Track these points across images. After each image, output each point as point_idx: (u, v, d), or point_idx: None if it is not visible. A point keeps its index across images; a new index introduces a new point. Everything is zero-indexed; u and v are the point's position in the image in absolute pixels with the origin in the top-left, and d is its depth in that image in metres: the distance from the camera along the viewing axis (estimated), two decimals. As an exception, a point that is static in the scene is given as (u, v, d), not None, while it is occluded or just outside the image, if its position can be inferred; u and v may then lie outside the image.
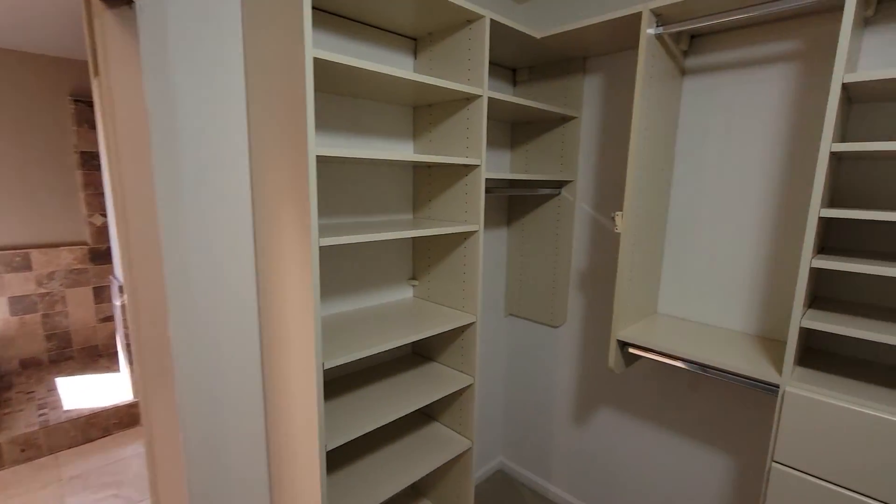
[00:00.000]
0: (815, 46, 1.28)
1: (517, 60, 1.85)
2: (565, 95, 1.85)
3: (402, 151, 1.60)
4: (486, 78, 1.37)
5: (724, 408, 1.56)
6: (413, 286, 1.73)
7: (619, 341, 1.46)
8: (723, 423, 1.57)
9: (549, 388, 2.10)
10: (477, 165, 1.43)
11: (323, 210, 1.41)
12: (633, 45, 1.61)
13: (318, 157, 1.04)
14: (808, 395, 1.08)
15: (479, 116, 1.40)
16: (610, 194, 1.78)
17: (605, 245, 1.82)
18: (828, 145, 1.03)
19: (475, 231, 1.47)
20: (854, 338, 1.23)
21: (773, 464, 1.15)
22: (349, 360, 1.16)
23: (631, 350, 1.47)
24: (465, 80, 1.42)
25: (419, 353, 1.75)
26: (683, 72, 1.54)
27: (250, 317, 1.31)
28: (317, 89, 1.29)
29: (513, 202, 2.08)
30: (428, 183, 1.61)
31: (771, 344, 1.39)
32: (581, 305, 1.93)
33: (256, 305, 1.32)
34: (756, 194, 1.42)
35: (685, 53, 1.52)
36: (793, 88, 1.32)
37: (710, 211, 1.52)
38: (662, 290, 1.67)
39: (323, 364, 1.10)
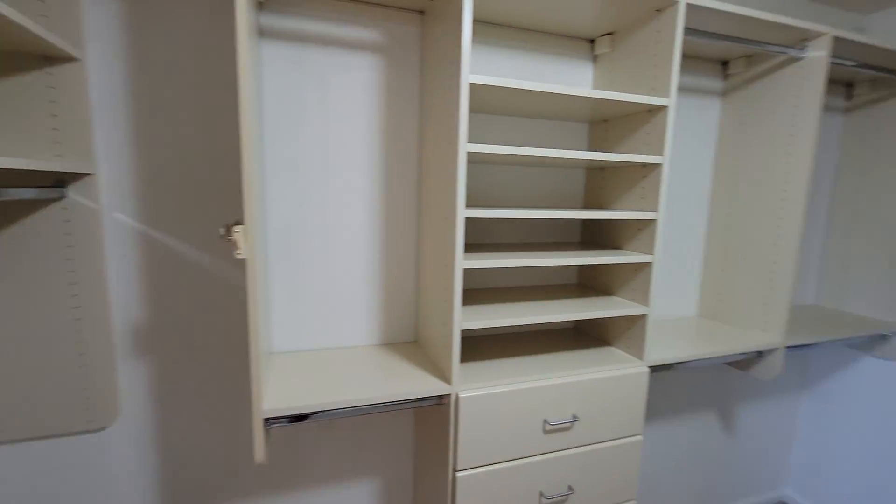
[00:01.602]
0: (399, 43, 1.26)
1: None
2: (45, 14, 0.98)
3: None
4: None
5: (363, 433, 1.41)
6: None
7: (265, 420, 0.97)
8: (365, 448, 1.42)
9: (98, 533, 1.21)
10: None
11: None
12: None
13: None
14: (477, 394, 1.10)
15: None
16: (165, 194, 1.14)
17: (170, 274, 1.17)
18: (465, 147, 1.02)
19: None
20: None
21: (457, 474, 1.11)
22: None
23: (275, 426, 1.02)
24: None
25: None
26: (261, 32, 1.15)
27: None
28: None
29: (-75, 219, 0.95)
30: None
31: (407, 348, 1.34)
32: (145, 380, 1.18)
33: None
34: (360, 197, 1.29)
35: (261, 5, 1.14)
36: (385, 83, 1.26)
37: (313, 218, 1.26)
38: (273, 322, 1.27)
39: None
